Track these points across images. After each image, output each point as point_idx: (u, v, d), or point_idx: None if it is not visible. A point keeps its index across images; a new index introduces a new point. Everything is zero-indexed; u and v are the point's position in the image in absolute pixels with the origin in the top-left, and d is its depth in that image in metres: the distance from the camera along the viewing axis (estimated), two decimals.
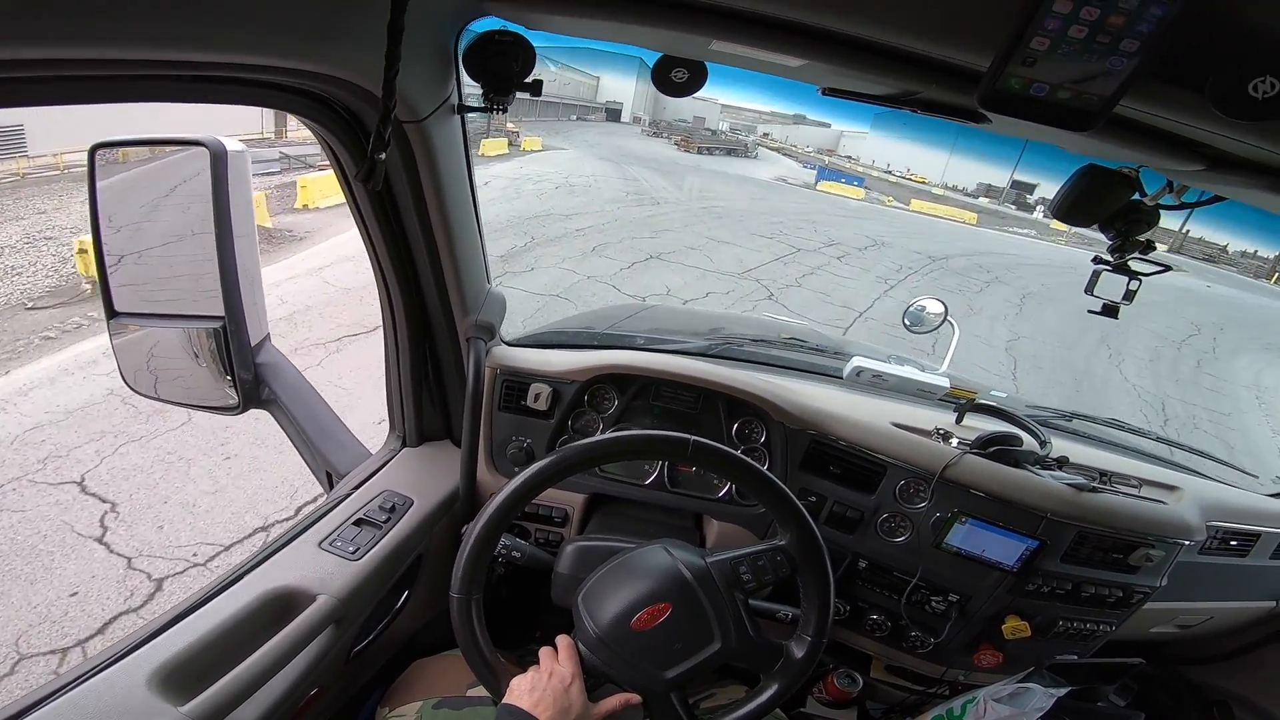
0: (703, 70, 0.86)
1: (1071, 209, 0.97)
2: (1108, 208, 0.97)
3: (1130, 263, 1.02)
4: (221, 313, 1.04)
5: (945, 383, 1.38)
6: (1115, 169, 0.94)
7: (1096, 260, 1.05)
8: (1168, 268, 1.00)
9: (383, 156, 0.69)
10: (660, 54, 0.83)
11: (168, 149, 1.00)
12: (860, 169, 43.19)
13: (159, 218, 1.03)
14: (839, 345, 1.68)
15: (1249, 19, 0.51)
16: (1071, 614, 1.26)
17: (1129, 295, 1.05)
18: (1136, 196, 0.97)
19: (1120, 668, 1.27)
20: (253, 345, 1.12)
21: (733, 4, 0.58)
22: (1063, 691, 1.23)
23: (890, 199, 29.83)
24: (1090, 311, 1.07)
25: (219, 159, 0.91)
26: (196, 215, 0.96)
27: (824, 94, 0.80)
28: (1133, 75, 0.52)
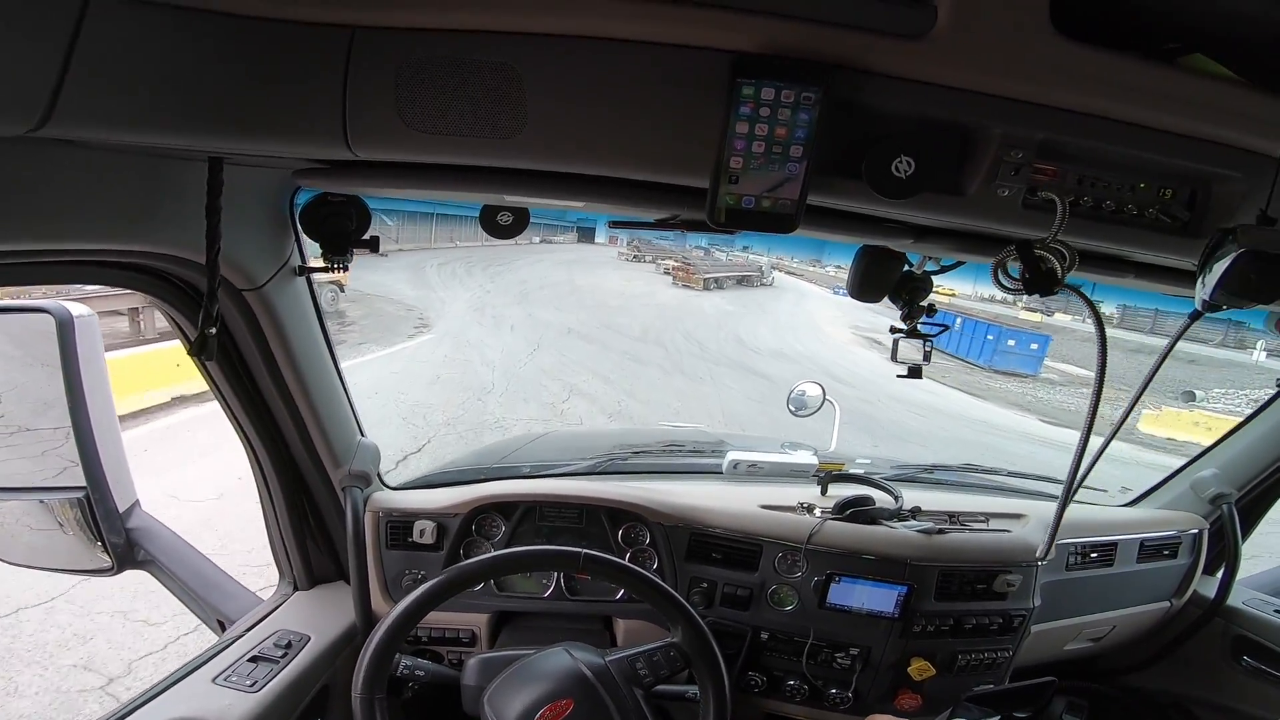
0: (525, 213, 0.97)
1: (862, 287, 1.10)
2: (889, 281, 1.11)
3: (920, 327, 1.15)
4: (83, 482, 1.03)
5: (813, 460, 1.50)
6: (883, 246, 1.05)
7: (893, 330, 1.18)
8: (947, 327, 1.15)
9: (213, 331, 0.74)
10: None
11: (12, 315, 1.00)
12: None
13: (8, 387, 1.02)
14: (716, 443, 1.80)
15: (882, 108, 0.60)
16: (965, 647, 1.32)
17: (926, 356, 1.18)
18: (908, 268, 1.12)
19: (1036, 688, 1.30)
20: (121, 511, 1.09)
21: (508, 164, 0.67)
22: None
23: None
24: (898, 375, 1.19)
25: (65, 325, 0.93)
26: (48, 383, 0.97)
27: (610, 226, 0.90)
28: (807, 176, 0.63)
